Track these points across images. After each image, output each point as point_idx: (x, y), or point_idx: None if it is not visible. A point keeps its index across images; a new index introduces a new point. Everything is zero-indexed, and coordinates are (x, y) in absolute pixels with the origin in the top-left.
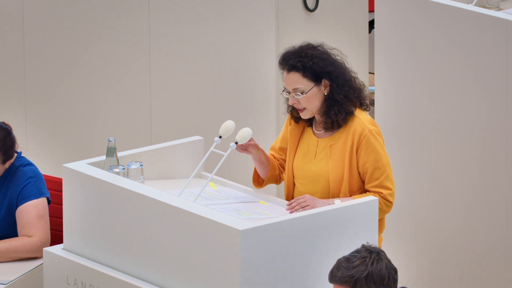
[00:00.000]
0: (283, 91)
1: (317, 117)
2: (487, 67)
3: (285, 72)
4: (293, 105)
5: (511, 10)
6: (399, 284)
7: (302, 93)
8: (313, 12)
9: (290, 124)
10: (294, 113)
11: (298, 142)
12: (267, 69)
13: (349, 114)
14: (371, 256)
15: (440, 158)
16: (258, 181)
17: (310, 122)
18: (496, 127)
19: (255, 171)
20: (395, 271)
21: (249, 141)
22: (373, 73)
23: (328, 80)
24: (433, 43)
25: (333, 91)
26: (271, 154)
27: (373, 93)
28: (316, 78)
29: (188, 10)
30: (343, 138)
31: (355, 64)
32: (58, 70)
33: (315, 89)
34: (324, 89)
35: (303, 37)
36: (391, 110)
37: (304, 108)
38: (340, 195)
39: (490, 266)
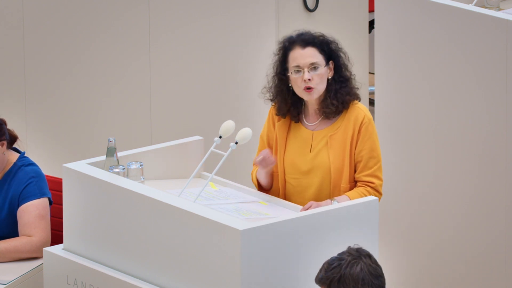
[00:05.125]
0: (287, 72)
1: (313, 107)
2: (487, 67)
3: (297, 49)
4: (307, 82)
5: (511, 10)
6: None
7: (319, 67)
8: (313, 12)
9: (275, 123)
10: (282, 109)
11: (286, 138)
12: (267, 69)
13: (355, 97)
14: (347, 259)
15: (440, 158)
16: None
17: (297, 118)
18: (496, 127)
19: (259, 184)
20: (376, 276)
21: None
22: (373, 73)
23: (334, 63)
24: (433, 43)
25: (340, 73)
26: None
27: (373, 93)
28: (327, 57)
29: (188, 10)
30: (343, 127)
31: (355, 64)
32: (58, 69)
33: (325, 68)
34: (329, 72)
35: None
36: (391, 110)
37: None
38: (342, 184)
39: (490, 266)
